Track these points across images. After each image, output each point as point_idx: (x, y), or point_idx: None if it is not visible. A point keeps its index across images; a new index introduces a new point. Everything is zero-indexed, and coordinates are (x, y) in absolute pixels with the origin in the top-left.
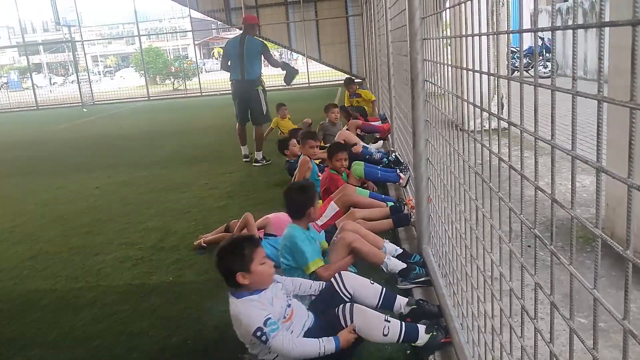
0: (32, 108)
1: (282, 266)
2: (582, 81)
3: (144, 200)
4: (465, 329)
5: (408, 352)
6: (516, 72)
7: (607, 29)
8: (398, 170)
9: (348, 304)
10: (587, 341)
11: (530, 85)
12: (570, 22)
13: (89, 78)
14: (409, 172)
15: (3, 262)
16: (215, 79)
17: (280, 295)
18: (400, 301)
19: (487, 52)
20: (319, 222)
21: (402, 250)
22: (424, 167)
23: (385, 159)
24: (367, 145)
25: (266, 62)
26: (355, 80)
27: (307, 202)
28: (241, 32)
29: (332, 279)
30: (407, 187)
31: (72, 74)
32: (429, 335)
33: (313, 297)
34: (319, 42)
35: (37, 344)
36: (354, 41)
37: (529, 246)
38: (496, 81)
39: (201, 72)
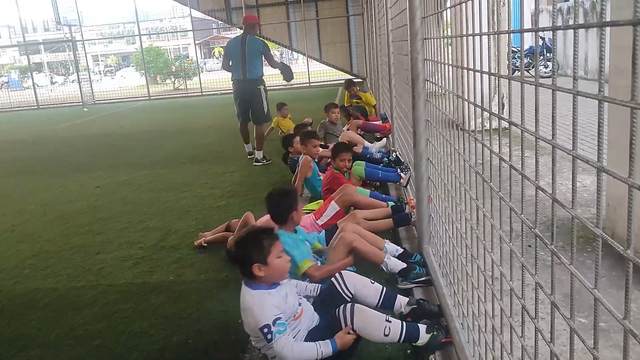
0: (32, 107)
1: None
2: (582, 81)
3: (144, 199)
4: (466, 328)
5: (408, 351)
6: (517, 71)
7: (608, 29)
8: (399, 170)
9: (349, 305)
10: (587, 341)
11: (531, 84)
12: (571, 22)
13: (90, 77)
14: (409, 172)
15: (4, 261)
16: (216, 79)
17: (293, 293)
18: (401, 301)
19: (488, 51)
20: (319, 222)
21: (402, 250)
22: (425, 166)
23: (385, 159)
24: (370, 145)
25: (266, 61)
26: (355, 81)
27: (289, 207)
28: (242, 32)
29: (333, 279)
30: (408, 186)
31: (73, 73)
32: (429, 335)
33: (313, 298)
34: (319, 41)
35: (37, 343)
36: (355, 41)
37: (529, 246)
38: (497, 81)
39: (202, 72)
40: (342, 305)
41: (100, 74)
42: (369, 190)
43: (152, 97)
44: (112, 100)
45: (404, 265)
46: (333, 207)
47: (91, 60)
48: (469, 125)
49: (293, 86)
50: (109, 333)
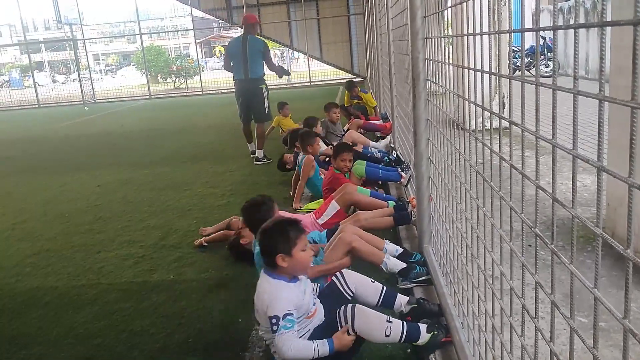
0: (33, 106)
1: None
2: (583, 80)
3: (145, 198)
4: (466, 327)
5: (408, 350)
6: (517, 71)
7: (608, 29)
8: (399, 169)
9: (349, 305)
10: (587, 340)
11: (531, 84)
12: (571, 22)
13: (91, 76)
14: (410, 171)
15: (4, 260)
16: (217, 78)
17: (310, 292)
18: (401, 300)
19: (489, 51)
20: (320, 221)
21: (402, 250)
22: (425, 166)
23: (386, 158)
24: (376, 143)
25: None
26: (356, 81)
27: (266, 216)
28: (242, 32)
29: (334, 277)
30: (408, 186)
31: (74, 72)
32: (430, 335)
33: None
34: (320, 40)
35: (38, 342)
36: (356, 40)
37: (529, 245)
38: (497, 80)
39: (202, 71)
40: (343, 306)
41: (101, 72)
42: (369, 190)
43: (152, 96)
44: (112, 99)
45: (404, 265)
46: (333, 207)
47: (92, 59)
48: (470, 125)
49: (294, 85)
50: (110, 332)
